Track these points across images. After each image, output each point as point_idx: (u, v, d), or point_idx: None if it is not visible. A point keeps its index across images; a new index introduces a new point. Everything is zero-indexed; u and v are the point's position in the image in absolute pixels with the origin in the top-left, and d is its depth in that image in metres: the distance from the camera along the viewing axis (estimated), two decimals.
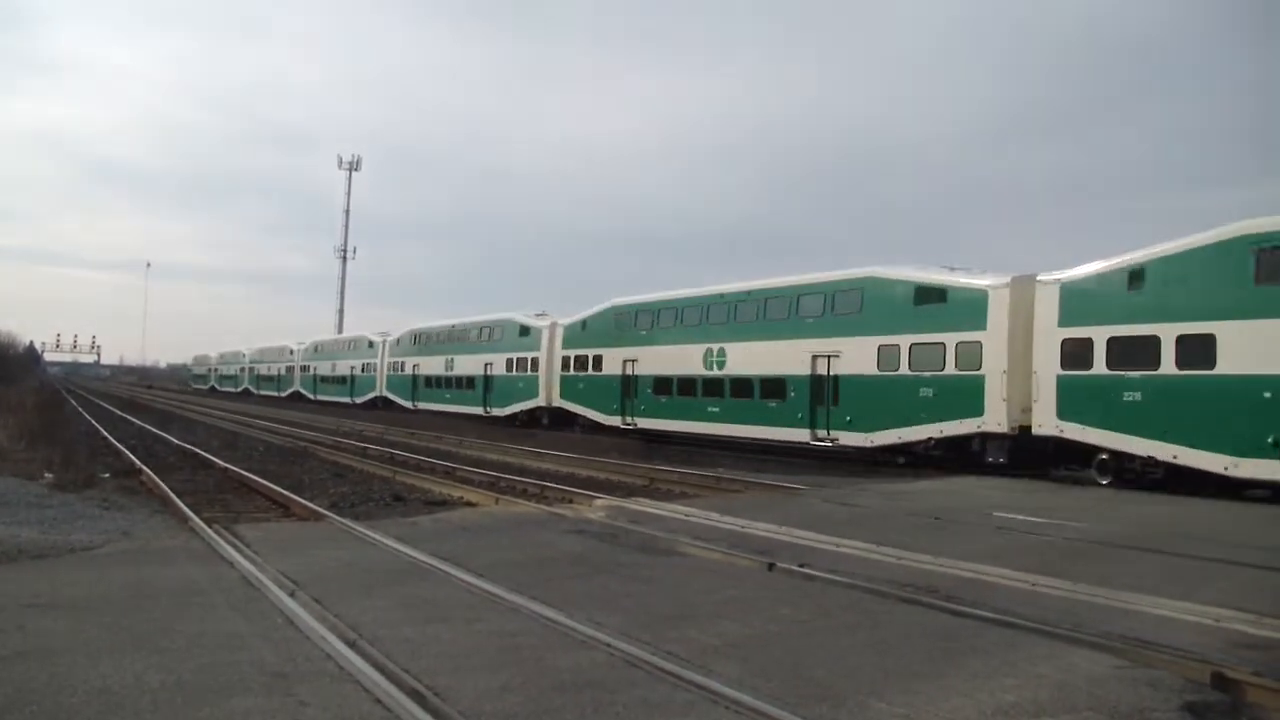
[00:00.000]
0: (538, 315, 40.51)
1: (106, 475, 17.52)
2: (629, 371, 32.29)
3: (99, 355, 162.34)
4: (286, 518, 13.46)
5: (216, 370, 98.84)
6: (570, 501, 15.00)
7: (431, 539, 10.55)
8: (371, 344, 56.97)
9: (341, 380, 58.76)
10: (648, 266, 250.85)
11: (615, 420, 32.85)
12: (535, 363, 38.58)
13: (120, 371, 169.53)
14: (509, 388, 40.49)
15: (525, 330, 39.95)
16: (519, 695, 5.18)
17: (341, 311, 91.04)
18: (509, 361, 40.67)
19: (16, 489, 14.49)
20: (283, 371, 73.49)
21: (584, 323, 35.96)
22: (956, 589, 8.09)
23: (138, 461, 19.84)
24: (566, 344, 36.55)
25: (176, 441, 26.17)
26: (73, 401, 56.39)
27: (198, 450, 23.22)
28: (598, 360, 34.31)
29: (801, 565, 9.03)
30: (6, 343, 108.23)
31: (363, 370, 57.67)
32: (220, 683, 5.29)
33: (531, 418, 38.64)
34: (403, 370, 52.31)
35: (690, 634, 6.56)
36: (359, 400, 57.19)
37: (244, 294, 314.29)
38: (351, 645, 6.03)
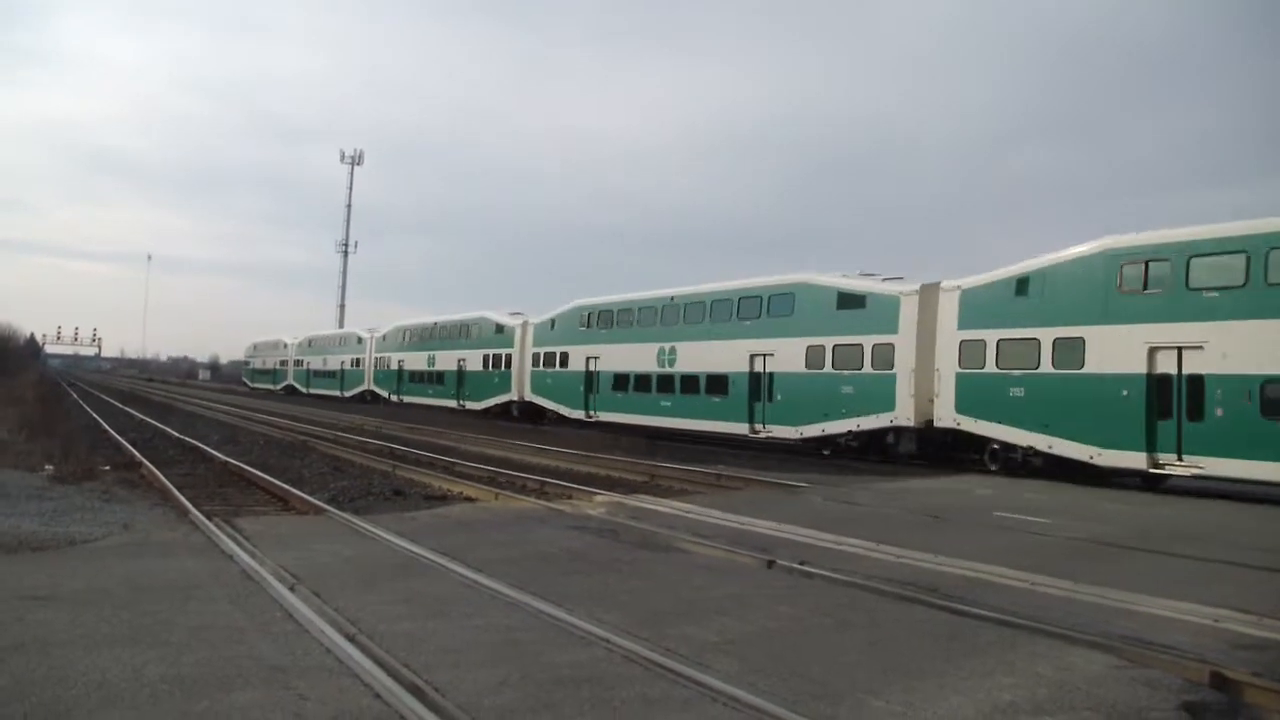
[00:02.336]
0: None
1: (106, 468, 17.52)
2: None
3: (100, 348, 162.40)
4: (286, 512, 13.46)
5: (300, 363, 72.76)
6: (570, 498, 15.01)
7: (431, 534, 10.55)
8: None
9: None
10: (648, 261, 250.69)
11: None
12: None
13: (121, 364, 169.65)
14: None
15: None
16: (517, 690, 5.19)
17: (342, 306, 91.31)
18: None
19: (17, 481, 14.51)
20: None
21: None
22: (955, 588, 8.09)
23: (138, 454, 19.84)
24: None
25: (176, 435, 26.19)
26: (73, 394, 56.45)
27: (197, 444, 23.23)
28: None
29: (801, 563, 9.03)
30: (7, 335, 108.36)
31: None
32: (219, 676, 5.29)
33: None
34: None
35: (689, 631, 6.57)
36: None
37: (244, 287, 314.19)
38: (351, 639, 6.04)
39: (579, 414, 35.10)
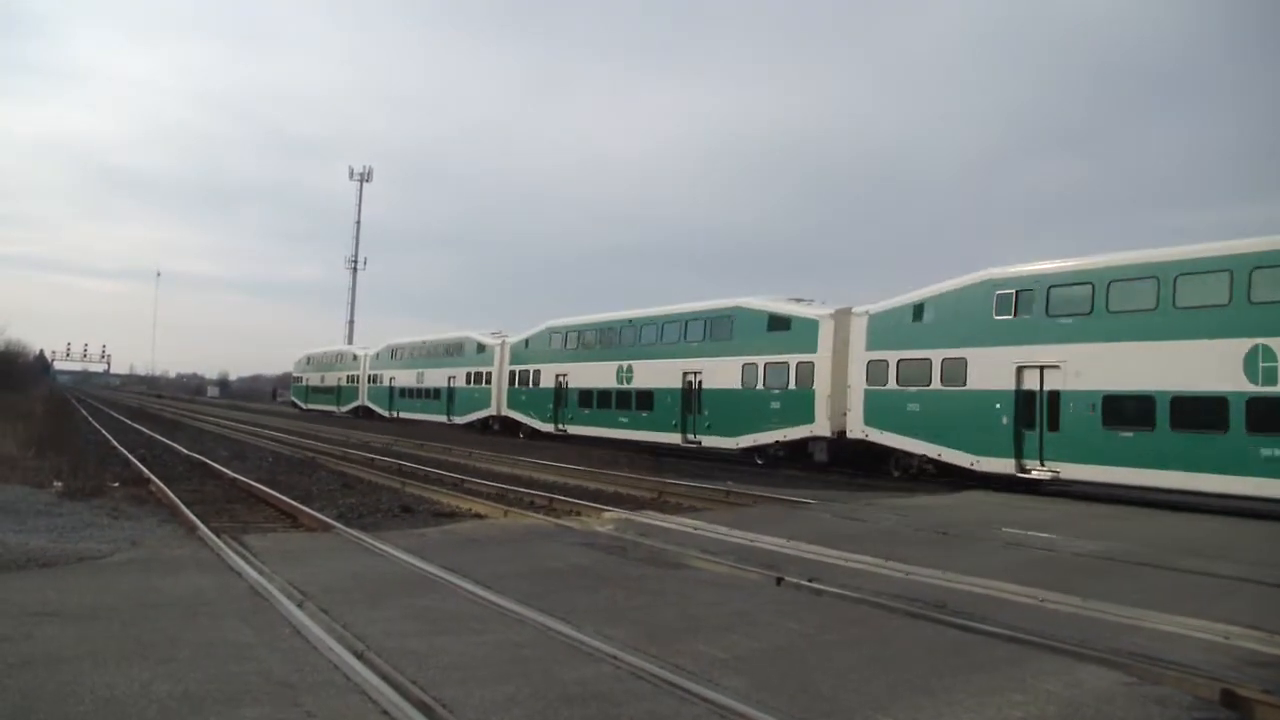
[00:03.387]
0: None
1: (115, 484, 17.56)
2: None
3: (109, 364, 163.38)
4: (294, 528, 13.48)
5: (377, 379, 58.01)
6: (578, 514, 15.00)
7: (439, 550, 10.54)
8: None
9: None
10: (656, 279, 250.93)
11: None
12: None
13: (130, 381, 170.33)
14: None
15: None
16: (525, 707, 5.18)
17: (351, 322, 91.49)
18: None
19: (26, 497, 14.55)
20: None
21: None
22: (964, 604, 8.06)
23: (146, 470, 19.89)
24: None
25: (185, 451, 26.26)
26: (82, 410, 56.65)
27: (205, 460, 23.29)
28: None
29: (809, 580, 9.01)
30: (16, 351, 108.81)
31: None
32: (227, 692, 5.29)
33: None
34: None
35: (698, 647, 6.55)
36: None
37: (252, 303, 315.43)
38: (359, 656, 6.04)
39: (1002, 464, 20.55)
